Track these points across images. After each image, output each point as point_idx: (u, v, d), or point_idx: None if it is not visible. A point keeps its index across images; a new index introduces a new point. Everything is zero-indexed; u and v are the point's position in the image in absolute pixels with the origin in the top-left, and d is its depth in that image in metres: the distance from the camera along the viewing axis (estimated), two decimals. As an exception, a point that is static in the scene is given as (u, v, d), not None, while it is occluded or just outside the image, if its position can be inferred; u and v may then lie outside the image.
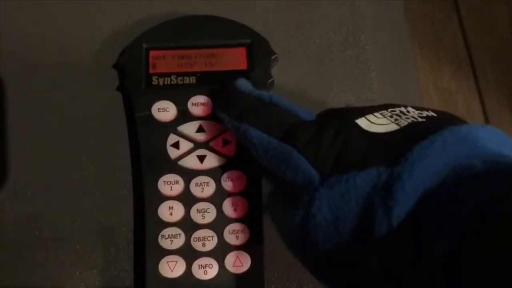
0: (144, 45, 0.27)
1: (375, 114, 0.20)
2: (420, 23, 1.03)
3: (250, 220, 0.25)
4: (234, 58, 0.27)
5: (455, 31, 1.04)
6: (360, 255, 0.18)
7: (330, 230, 0.18)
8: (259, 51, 0.28)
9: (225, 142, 0.26)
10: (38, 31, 0.29)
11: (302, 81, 0.29)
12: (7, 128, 0.28)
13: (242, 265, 0.24)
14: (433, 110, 0.20)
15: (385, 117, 0.20)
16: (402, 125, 0.19)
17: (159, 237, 0.24)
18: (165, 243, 0.24)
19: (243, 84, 0.24)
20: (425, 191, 0.17)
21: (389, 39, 0.31)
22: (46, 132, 0.28)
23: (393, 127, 0.19)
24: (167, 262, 0.24)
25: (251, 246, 0.24)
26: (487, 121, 0.98)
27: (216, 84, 0.26)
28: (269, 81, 0.27)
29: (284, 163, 0.20)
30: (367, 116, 0.20)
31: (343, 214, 0.18)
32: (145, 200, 0.25)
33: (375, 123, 0.20)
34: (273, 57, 0.28)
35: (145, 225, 0.25)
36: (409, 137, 0.18)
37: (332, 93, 0.29)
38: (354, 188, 0.18)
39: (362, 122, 0.20)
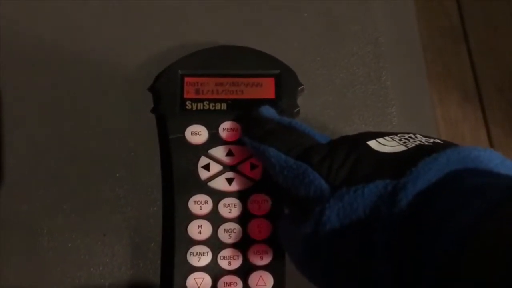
0: (180, 71, 0.29)
1: (385, 137, 0.22)
2: (429, 54, 1.05)
3: (273, 241, 0.26)
4: (263, 87, 0.29)
5: (463, 62, 1.06)
6: (365, 264, 0.19)
7: (338, 239, 0.20)
8: (287, 82, 0.29)
9: (253, 166, 0.27)
10: (76, 50, 0.31)
11: (325, 112, 0.30)
12: (45, 146, 0.29)
13: (265, 285, 0.25)
14: (440, 139, 0.22)
15: (394, 140, 0.21)
16: (409, 147, 0.21)
17: (188, 254, 0.25)
18: (193, 260, 0.25)
19: (266, 110, 0.26)
20: (426, 201, 0.18)
21: (408, 76, 0.33)
22: (83, 149, 0.29)
23: (401, 148, 0.21)
24: (195, 278, 0.25)
25: (274, 267, 0.26)
26: (493, 151, 0.99)
27: (245, 111, 0.28)
28: (295, 110, 0.29)
29: (298, 179, 0.22)
30: (378, 139, 0.22)
31: (351, 222, 0.19)
32: (175, 218, 0.26)
33: (385, 145, 0.21)
34: (300, 88, 0.29)
35: (175, 242, 0.26)
36: (415, 155, 0.20)
37: (354, 125, 0.30)
38: (361, 198, 0.19)
39: (372, 143, 0.21)
